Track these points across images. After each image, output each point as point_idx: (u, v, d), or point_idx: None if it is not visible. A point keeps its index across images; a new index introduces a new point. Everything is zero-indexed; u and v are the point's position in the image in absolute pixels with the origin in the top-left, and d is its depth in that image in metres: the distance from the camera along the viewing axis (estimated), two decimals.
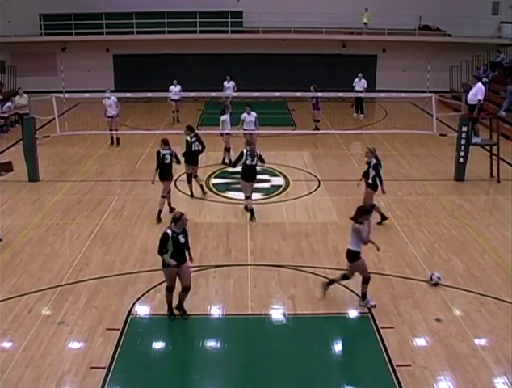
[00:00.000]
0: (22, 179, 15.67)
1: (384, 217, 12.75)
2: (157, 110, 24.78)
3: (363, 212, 9.35)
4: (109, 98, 19.06)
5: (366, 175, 12.46)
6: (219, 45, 28.66)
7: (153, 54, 28.98)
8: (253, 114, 16.85)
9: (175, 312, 9.13)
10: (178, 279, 8.99)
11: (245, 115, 16.89)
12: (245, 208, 13.48)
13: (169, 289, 9.10)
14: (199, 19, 28.09)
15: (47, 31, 28.14)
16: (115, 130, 19.48)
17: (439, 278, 10.07)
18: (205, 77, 28.17)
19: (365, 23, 28.57)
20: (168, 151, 12.84)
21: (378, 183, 12.33)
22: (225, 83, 23.44)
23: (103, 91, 19.66)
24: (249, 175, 13.11)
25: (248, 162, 13.00)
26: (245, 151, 13.07)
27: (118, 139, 19.51)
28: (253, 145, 15.45)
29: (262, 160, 13.33)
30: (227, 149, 16.86)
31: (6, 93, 26.02)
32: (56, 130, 17.28)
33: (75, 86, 22.43)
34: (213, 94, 20.16)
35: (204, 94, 20.09)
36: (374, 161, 12.33)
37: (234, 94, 22.22)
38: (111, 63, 29.85)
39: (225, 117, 16.64)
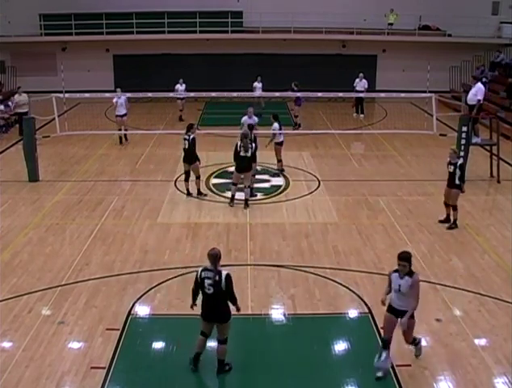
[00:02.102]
0: (22, 179, 15.67)
1: (455, 223, 12.62)
2: (157, 110, 24.79)
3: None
4: (119, 97, 19.08)
5: (452, 176, 12.46)
6: (219, 45, 28.66)
7: (153, 54, 28.97)
8: (275, 125, 16.21)
9: None
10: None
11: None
12: (245, 203, 13.81)
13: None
14: (199, 19, 28.09)
15: (47, 31, 28.13)
16: (125, 129, 19.66)
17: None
18: (205, 77, 28.27)
19: (390, 24, 28.61)
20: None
21: (461, 182, 12.47)
22: (256, 83, 23.29)
23: (103, 91, 19.66)
24: (241, 165, 13.56)
25: (242, 154, 13.46)
26: (238, 143, 13.54)
27: (126, 135, 19.71)
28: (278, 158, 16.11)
29: (254, 157, 13.76)
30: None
31: (6, 93, 26.01)
32: (56, 130, 17.29)
33: (75, 86, 22.43)
34: (213, 94, 20.15)
35: (204, 94, 20.12)
36: (460, 161, 12.50)
37: (263, 94, 22.41)
38: (111, 63, 29.84)
39: (245, 119, 16.39)
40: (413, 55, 28.53)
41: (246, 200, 13.80)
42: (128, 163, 17.61)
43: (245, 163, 13.57)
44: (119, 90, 19.57)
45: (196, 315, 9.11)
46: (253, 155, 13.79)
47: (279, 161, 16.58)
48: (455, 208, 12.59)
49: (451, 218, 12.67)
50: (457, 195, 12.52)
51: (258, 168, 15.73)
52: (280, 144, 16.34)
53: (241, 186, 13.96)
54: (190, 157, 14.17)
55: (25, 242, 11.88)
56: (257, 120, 16.34)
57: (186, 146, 14.09)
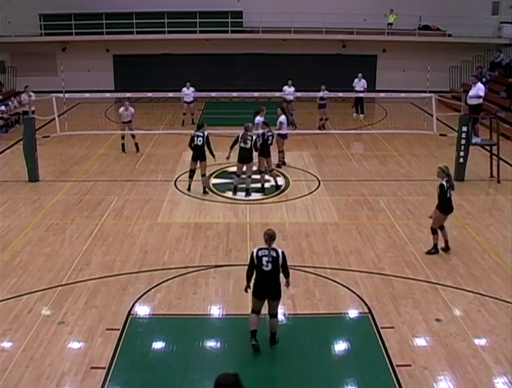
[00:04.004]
0: (22, 179, 15.68)
1: (447, 246, 11.34)
2: (156, 110, 24.78)
3: None
4: (127, 109, 18.40)
5: (438, 197, 11.19)
6: (219, 45, 28.66)
7: (153, 54, 28.98)
8: (283, 118, 16.63)
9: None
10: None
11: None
12: (246, 192, 14.49)
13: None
14: (199, 19, 28.08)
15: (47, 31, 28.10)
16: (133, 136, 18.63)
17: None
18: (205, 77, 28.26)
19: (390, 24, 28.62)
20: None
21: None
22: (285, 87, 22.59)
23: (103, 91, 19.51)
24: (242, 156, 14.27)
25: (242, 145, 14.25)
26: (240, 135, 14.27)
27: (136, 144, 18.64)
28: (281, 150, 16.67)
29: (255, 148, 14.56)
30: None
31: (6, 93, 26.02)
32: (56, 130, 17.27)
33: (75, 86, 22.46)
34: (213, 94, 20.15)
35: (204, 94, 20.11)
36: (443, 181, 11.11)
37: (291, 97, 22.30)
38: (111, 63, 29.84)
39: (260, 119, 16.47)
40: (413, 55, 28.54)
41: (247, 190, 14.39)
42: (128, 163, 17.60)
43: (245, 154, 14.22)
44: (127, 103, 18.59)
45: (196, 315, 9.18)
46: (265, 148, 14.80)
47: (280, 151, 16.87)
48: (434, 232, 11.22)
49: (434, 242, 11.31)
50: (440, 218, 11.14)
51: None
52: (284, 136, 16.64)
53: (243, 186, 14.45)
54: (202, 154, 14.36)
55: (25, 242, 11.87)
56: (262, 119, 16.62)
57: (200, 143, 14.28)
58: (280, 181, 15.61)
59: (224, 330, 8.82)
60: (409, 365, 7.89)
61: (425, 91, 19.16)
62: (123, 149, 18.63)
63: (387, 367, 7.86)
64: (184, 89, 21.99)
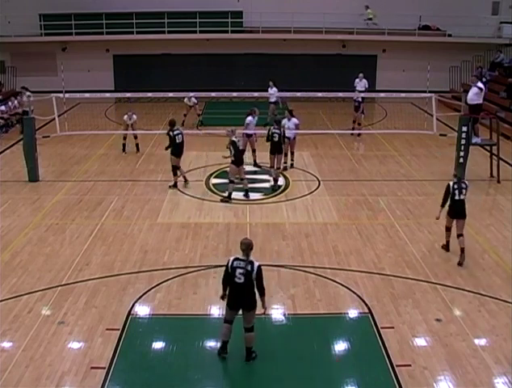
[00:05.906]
0: (22, 179, 15.68)
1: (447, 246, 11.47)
2: (156, 110, 24.74)
3: None
4: (130, 118, 18.47)
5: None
6: (219, 45, 28.65)
7: (153, 54, 28.97)
8: (295, 120, 16.76)
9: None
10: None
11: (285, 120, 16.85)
12: (246, 193, 14.49)
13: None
14: (199, 19, 28.06)
15: (47, 31, 28.07)
16: (135, 136, 18.62)
17: None
18: (205, 77, 28.29)
19: (370, 19, 28.58)
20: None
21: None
22: (269, 90, 22.00)
23: (103, 91, 19.47)
24: (241, 159, 14.33)
25: (241, 148, 14.42)
26: (236, 140, 14.24)
27: (137, 144, 18.68)
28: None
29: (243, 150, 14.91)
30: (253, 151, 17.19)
31: (6, 93, 26.01)
32: (56, 130, 17.27)
33: (75, 86, 22.45)
34: (213, 94, 20.12)
35: (204, 94, 20.11)
36: (451, 182, 11.14)
37: (273, 99, 22.08)
38: (111, 63, 29.83)
39: (251, 119, 16.67)
40: (413, 55, 28.54)
41: (246, 191, 14.45)
42: (128, 163, 17.60)
43: (241, 157, 14.42)
44: (130, 113, 18.57)
45: (196, 315, 9.18)
46: (271, 146, 15.22)
47: (293, 153, 17.21)
48: (446, 229, 11.53)
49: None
50: (447, 219, 11.34)
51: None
52: (294, 138, 17.05)
53: (240, 186, 14.53)
54: (182, 150, 15.12)
55: (25, 242, 11.88)
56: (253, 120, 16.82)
57: (181, 140, 14.94)
58: (280, 181, 15.60)
59: None
60: (409, 365, 7.89)
61: (425, 91, 19.15)
62: (124, 149, 18.62)
63: (387, 367, 7.87)
64: (186, 99, 21.67)
